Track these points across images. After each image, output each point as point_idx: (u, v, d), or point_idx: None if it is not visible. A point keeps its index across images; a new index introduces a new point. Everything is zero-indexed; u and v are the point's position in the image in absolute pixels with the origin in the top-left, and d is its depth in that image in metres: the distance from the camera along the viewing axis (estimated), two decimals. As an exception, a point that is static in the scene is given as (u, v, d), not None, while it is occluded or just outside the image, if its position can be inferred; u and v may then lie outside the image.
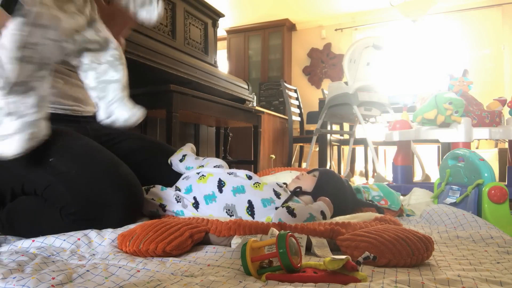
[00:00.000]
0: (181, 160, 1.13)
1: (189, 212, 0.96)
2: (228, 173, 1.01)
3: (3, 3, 0.75)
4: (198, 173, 1.02)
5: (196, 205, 0.96)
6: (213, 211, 0.94)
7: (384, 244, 0.62)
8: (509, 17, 4.58)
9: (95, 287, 0.51)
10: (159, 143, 1.28)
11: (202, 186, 0.97)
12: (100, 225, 0.81)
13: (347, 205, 1.04)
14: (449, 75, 1.94)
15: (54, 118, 1.00)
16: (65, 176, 0.84)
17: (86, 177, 0.85)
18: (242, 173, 1.02)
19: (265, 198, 0.93)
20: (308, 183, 1.03)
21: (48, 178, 0.84)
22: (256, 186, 0.96)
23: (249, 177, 1.00)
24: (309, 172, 1.09)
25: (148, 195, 1.00)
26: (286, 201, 0.94)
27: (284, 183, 1.06)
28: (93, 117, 1.14)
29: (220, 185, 0.96)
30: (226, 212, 0.93)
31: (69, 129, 0.96)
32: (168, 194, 1.00)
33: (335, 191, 1.03)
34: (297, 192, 1.00)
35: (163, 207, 0.98)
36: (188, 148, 1.19)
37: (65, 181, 0.84)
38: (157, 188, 1.02)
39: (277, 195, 0.95)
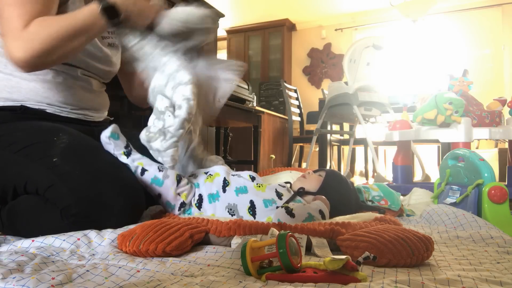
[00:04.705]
0: None
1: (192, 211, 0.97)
2: (232, 174, 1.01)
3: (105, 7, 0.85)
4: (206, 173, 1.02)
5: (199, 202, 0.97)
6: (215, 210, 0.95)
7: (384, 244, 0.62)
8: (509, 17, 4.58)
9: (95, 287, 0.51)
10: None
11: (208, 185, 0.97)
12: (100, 227, 0.80)
13: (351, 208, 1.04)
14: (449, 75, 1.94)
15: (64, 120, 1.00)
16: (68, 176, 0.84)
17: (89, 178, 0.84)
18: (245, 174, 1.02)
19: (267, 198, 0.93)
20: (313, 183, 1.02)
21: (51, 177, 0.84)
22: (259, 187, 0.96)
23: (253, 178, 1.00)
24: (315, 172, 1.08)
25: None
26: (288, 201, 0.94)
27: (288, 183, 1.06)
28: (102, 122, 1.15)
29: (225, 185, 0.96)
30: (228, 211, 0.94)
31: (74, 130, 0.96)
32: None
33: (340, 193, 1.02)
34: (301, 192, 1.00)
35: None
36: None
37: (68, 181, 0.83)
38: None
39: (279, 195, 0.95)
